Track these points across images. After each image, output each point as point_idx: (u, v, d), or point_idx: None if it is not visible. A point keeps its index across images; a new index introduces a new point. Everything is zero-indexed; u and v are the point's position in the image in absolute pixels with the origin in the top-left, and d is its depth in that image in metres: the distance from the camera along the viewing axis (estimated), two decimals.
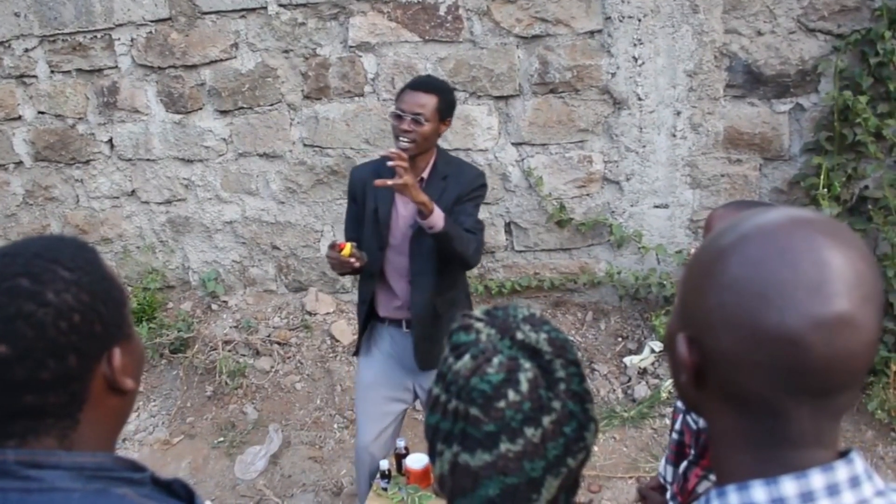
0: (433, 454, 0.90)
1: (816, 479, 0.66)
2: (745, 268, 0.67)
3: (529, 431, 0.82)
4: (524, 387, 0.82)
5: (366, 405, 2.85)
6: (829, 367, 0.65)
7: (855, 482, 0.67)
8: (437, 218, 2.43)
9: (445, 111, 2.57)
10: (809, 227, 0.67)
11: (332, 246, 2.56)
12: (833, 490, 0.66)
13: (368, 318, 2.80)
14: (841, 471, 0.67)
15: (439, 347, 2.73)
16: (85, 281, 0.85)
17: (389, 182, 2.39)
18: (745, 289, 0.66)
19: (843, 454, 0.70)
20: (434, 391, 0.89)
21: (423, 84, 2.59)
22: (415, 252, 2.64)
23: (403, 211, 2.66)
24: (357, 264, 2.56)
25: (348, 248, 2.54)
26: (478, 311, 0.92)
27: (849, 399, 0.69)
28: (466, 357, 0.85)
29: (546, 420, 0.83)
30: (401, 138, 2.52)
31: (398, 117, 2.53)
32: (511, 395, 0.82)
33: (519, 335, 0.86)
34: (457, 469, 0.85)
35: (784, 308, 0.64)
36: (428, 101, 2.52)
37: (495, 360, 0.83)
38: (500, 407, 0.82)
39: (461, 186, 2.60)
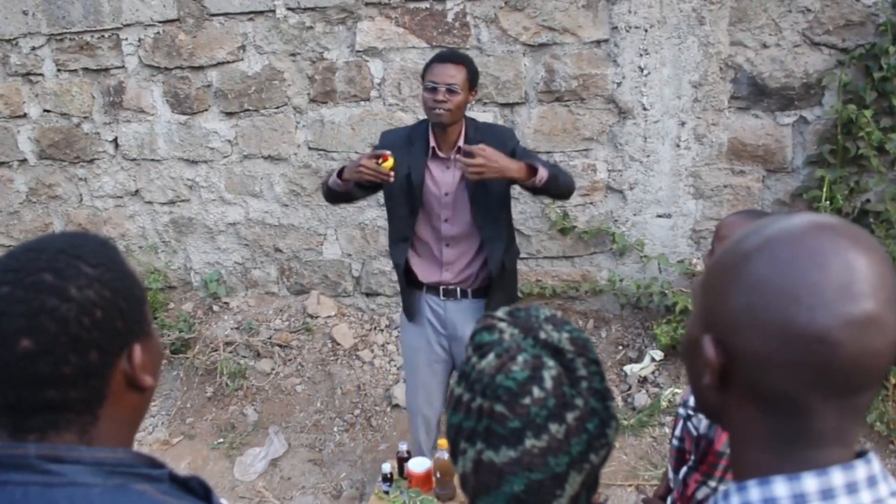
0: (455, 453, 0.90)
1: (837, 476, 0.68)
2: (773, 269, 0.69)
3: (554, 427, 0.83)
4: (548, 384, 0.84)
5: (410, 370, 3.06)
6: (857, 366, 0.67)
7: (872, 482, 0.69)
8: (542, 169, 2.58)
9: (473, 81, 2.71)
10: (834, 232, 0.70)
11: (375, 155, 2.57)
12: (852, 488, 0.68)
13: (407, 283, 2.94)
14: (860, 470, 0.69)
15: (510, 300, 2.78)
16: (107, 277, 0.85)
17: (470, 167, 2.52)
18: (774, 289, 0.68)
19: (860, 454, 0.72)
20: (456, 391, 0.90)
21: (451, 56, 2.72)
22: (479, 220, 2.77)
23: (440, 176, 2.78)
24: (391, 181, 2.60)
25: (391, 161, 2.56)
26: (500, 312, 0.93)
27: (870, 398, 0.71)
28: (491, 356, 0.86)
29: (570, 416, 0.84)
30: (437, 109, 2.63)
31: (432, 90, 2.64)
32: (536, 391, 0.83)
33: (542, 335, 0.87)
34: (480, 467, 0.86)
35: (814, 307, 0.66)
36: (458, 73, 2.65)
37: (520, 358, 0.85)
38: (525, 403, 0.83)
39: (501, 147, 2.70)
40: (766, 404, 0.71)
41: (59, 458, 0.81)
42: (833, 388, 0.68)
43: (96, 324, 0.83)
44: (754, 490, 0.70)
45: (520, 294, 4.14)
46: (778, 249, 0.70)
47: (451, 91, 2.61)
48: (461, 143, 2.74)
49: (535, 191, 2.66)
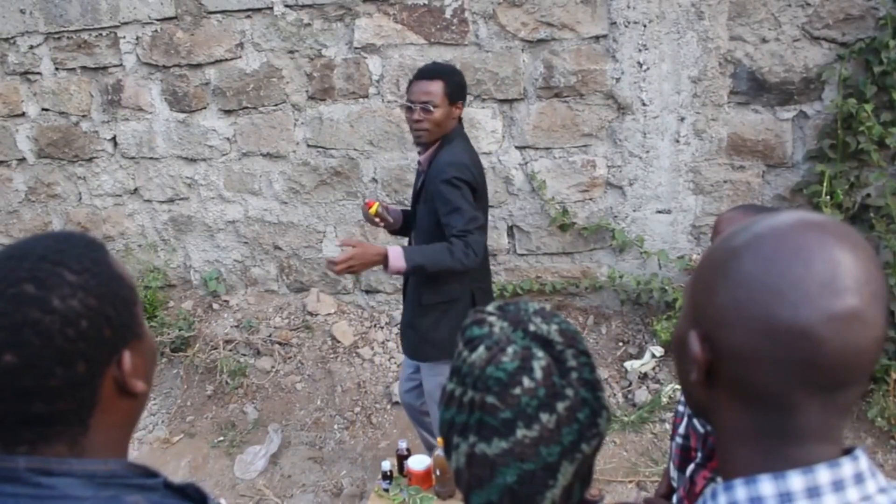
0: (449, 450, 0.91)
1: (823, 474, 0.68)
2: (759, 265, 0.69)
3: (545, 417, 0.84)
4: (538, 374, 0.84)
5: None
6: (841, 362, 0.67)
7: (859, 478, 0.69)
8: (396, 261, 2.49)
9: (454, 94, 2.61)
10: (820, 228, 0.69)
11: (365, 206, 2.78)
12: (838, 486, 0.68)
13: None
14: (846, 467, 0.69)
15: (417, 337, 2.77)
16: (92, 284, 0.82)
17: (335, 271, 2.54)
18: (758, 285, 0.68)
19: (848, 451, 0.71)
20: (448, 387, 0.90)
21: (428, 72, 2.63)
22: (412, 239, 2.80)
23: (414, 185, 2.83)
24: (381, 224, 2.78)
25: (374, 206, 2.75)
26: (490, 307, 0.93)
27: (855, 395, 0.71)
28: (481, 348, 0.87)
29: (560, 406, 0.84)
30: (415, 129, 2.61)
31: (409, 109, 2.61)
32: (526, 381, 0.84)
33: (531, 327, 0.88)
34: (473, 460, 0.86)
35: (798, 303, 0.66)
36: (434, 88, 2.57)
37: (509, 350, 0.85)
38: (515, 393, 0.83)
39: (433, 180, 2.60)
40: (752, 401, 0.71)
41: (49, 471, 0.80)
42: (817, 384, 0.68)
43: (82, 335, 0.80)
44: (740, 489, 0.70)
45: (519, 291, 4.15)
46: (764, 246, 0.70)
47: (425, 109, 2.55)
48: (421, 158, 2.70)
49: (412, 273, 2.59)
